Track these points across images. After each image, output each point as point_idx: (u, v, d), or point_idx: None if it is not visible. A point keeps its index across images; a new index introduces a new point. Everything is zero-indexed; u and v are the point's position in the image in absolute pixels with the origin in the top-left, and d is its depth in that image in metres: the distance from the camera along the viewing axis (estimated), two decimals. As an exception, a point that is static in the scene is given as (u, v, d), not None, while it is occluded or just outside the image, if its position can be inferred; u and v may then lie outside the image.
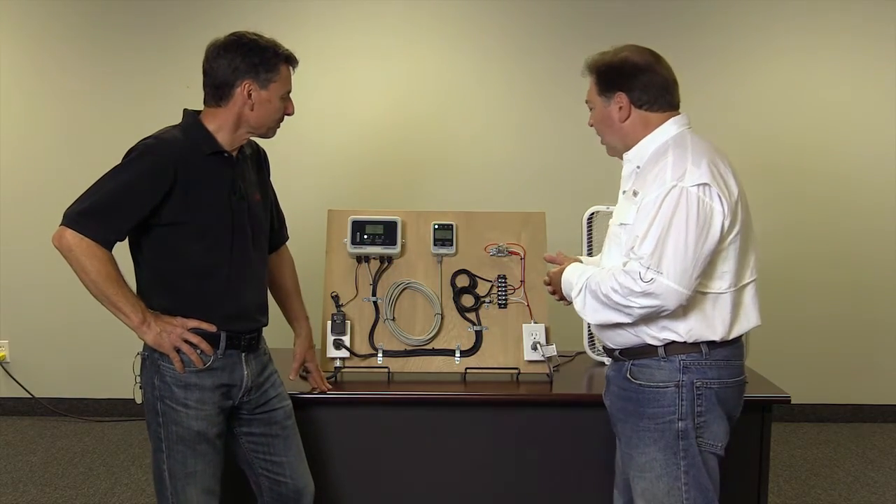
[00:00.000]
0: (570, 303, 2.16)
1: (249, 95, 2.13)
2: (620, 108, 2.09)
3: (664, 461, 2.04)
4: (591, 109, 2.19)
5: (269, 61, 2.13)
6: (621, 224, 2.07)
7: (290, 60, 2.19)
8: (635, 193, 2.04)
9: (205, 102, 2.18)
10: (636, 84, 2.08)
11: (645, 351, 2.06)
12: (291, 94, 2.23)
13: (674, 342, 2.03)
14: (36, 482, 3.78)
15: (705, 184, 1.94)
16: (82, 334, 4.60)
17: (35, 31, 4.59)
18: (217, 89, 2.13)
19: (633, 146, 2.12)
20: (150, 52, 4.57)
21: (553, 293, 2.30)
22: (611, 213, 2.33)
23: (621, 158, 2.21)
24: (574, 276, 2.13)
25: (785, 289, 4.52)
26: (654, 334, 2.03)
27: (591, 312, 2.08)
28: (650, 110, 2.09)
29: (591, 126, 2.22)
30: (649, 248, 1.93)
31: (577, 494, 2.56)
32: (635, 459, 2.09)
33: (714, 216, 1.94)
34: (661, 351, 2.04)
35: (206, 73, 2.15)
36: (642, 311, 1.97)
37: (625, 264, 1.99)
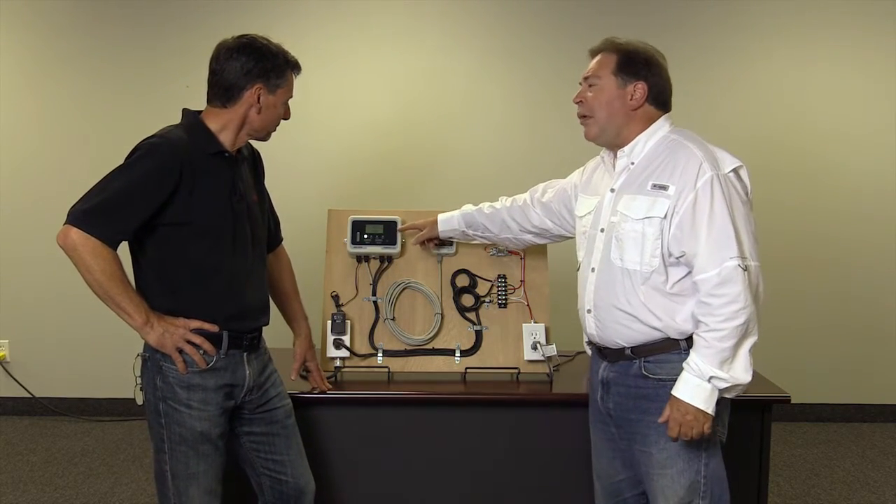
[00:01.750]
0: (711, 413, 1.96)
1: (258, 99, 2.14)
2: (633, 97, 2.10)
3: (687, 456, 2.04)
4: (591, 85, 2.14)
5: (279, 67, 2.16)
6: (647, 217, 2.02)
7: (296, 68, 2.23)
8: (664, 187, 2.02)
9: (209, 102, 2.18)
10: (656, 80, 2.12)
11: (664, 346, 2.04)
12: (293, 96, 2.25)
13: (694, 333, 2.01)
14: (36, 482, 3.78)
15: (741, 165, 2.05)
16: (82, 334, 4.60)
17: (36, 30, 4.59)
18: (226, 90, 2.14)
19: (624, 137, 2.12)
20: (152, 52, 4.57)
21: (692, 428, 1.96)
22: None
23: (600, 145, 2.21)
24: (691, 379, 1.95)
25: (784, 289, 4.52)
26: (685, 328, 2.01)
27: (746, 367, 1.95)
28: (657, 108, 2.13)
29: (579, 102, 2.16)
30: (732, 243, 1.93)
31: (577, 494, 2.56)
32: (655, 457, 2.07)
33: (749, 193, 2.05)
34: (683, 344, 2.02)
35: (215, 72, 2.15)
36: (754, 303, 1.95)
37: (700, 279, 1.95)
